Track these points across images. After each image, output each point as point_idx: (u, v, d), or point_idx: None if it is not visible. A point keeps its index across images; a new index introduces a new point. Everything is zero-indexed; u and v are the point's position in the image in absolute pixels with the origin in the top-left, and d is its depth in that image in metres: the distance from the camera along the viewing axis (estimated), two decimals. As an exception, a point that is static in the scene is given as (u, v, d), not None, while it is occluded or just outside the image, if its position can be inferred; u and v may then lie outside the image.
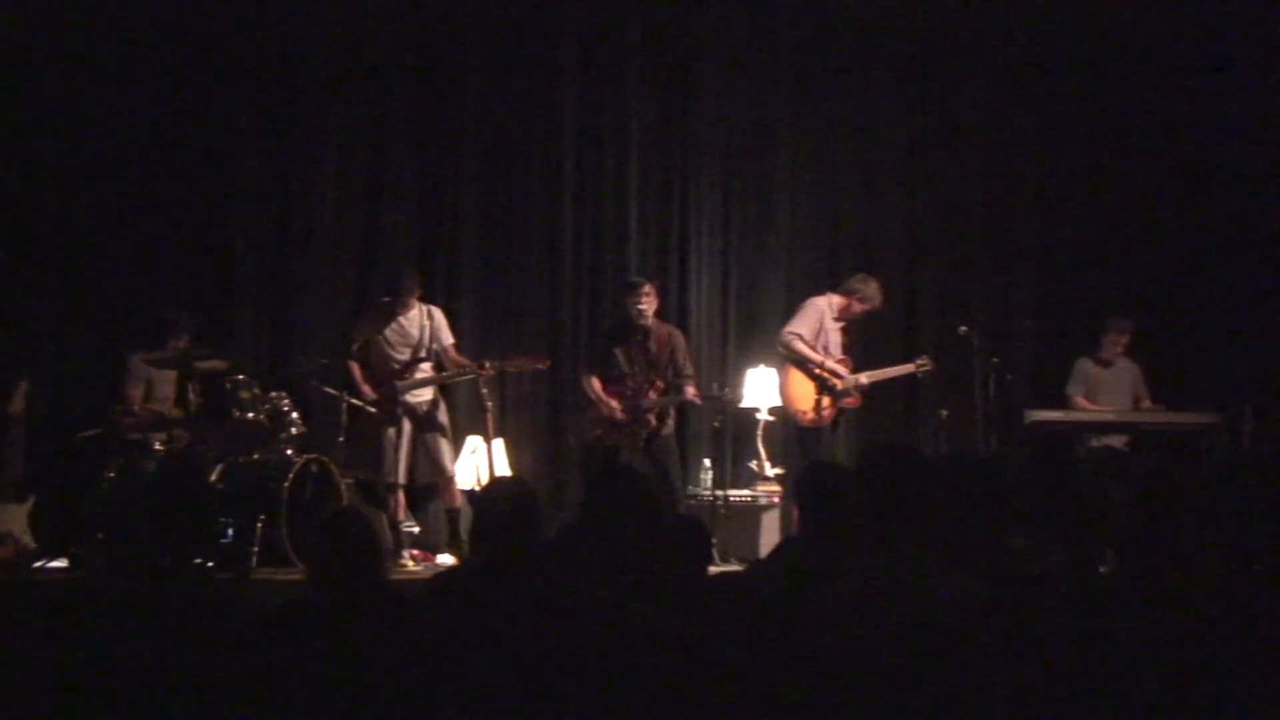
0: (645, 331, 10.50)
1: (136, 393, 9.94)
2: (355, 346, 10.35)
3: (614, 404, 10.41)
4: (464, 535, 9.99)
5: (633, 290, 10.58)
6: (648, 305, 10.49)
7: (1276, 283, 12.31)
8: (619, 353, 10.52)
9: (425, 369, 10.32)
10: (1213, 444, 10.87)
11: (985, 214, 13.15)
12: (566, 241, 12.51)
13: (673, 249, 12.76)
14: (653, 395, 10.43)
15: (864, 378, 10.74)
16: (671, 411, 10.67)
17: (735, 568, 9.56)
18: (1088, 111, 13.01)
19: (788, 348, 10.53)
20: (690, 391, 10.56)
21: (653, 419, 10.47)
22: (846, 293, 10.77)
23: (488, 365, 10.25)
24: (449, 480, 10.44)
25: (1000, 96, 13.19)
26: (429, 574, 8.53)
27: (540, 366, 10.67)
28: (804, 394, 10.52)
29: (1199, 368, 12.15)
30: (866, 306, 10.75)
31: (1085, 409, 11.34)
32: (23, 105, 11.04)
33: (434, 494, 10.94)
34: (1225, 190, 12.68)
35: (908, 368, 11.02)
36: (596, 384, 10.52)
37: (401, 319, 10.32)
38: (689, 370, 10.62)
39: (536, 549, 5.25)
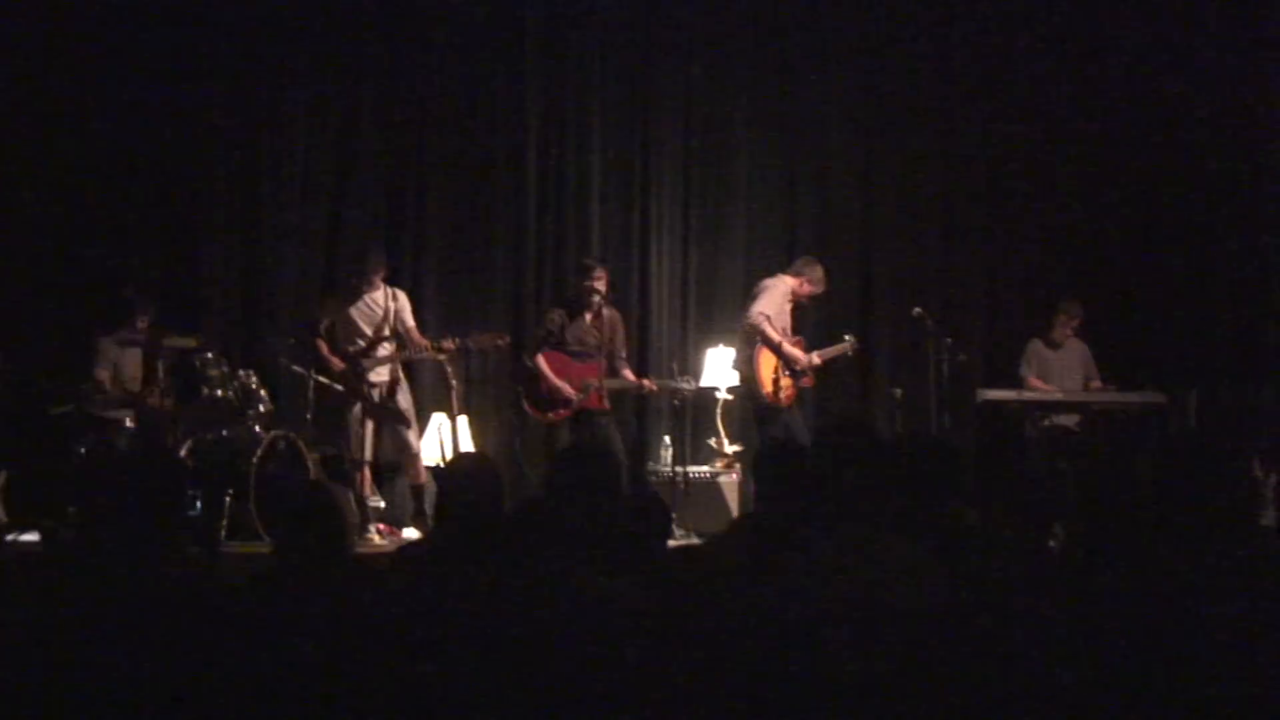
0: (596, 311, 10.62)
1: (105, 374, 9.97)
2: (323, 326, 10.38)
3: (564, 385, 10.54)
4: (429, 510, 10.08)
5: (587, 273, 10.73)
6: (601, 286, 10.65)
7: (1222, 268, 12.45)
8: (568, 329, 10.64)
9: (388, 348, 10.36)
10: (1160, 423, 11.00)
11: (938, 198, 13.24)
12: (530, 225, 12.59)
13: (634, 231, 12.84)
14: (599, 375, 10.55)
15: (816, 357, 10.89)
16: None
17: (694, 542, 9.65)
18: (1038, 95, 13.12)
19: (758, 330, 10.61)
20: (648, 382, 10.92)
21: (601, 397, 10.62)
22: (797, 275, 10.89)
23: (447, 343, 10.33)
24: (413, 457, 10.49)
25: (951, 82, 13.30)
26: (394, 548, 8.67)
27: (500, 343, 10.68)
28: (768, 374, 10.62)
29: (1147, 349, 12.28)
30: (815, 289, 10.91)
31: (1037, 389, 11.45)
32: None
33: (399, 470, 10.99)
34: (1175, 174, 12.79)
35: (843, 347, 11.15)
36: (543, 362, 10.62)
37: (367, 298, 10.36)
38: (623, 353, 10.86)
39: (500, 523, 5.34)
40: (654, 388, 10.95)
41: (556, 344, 10.63)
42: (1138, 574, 4.23)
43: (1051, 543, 5.19)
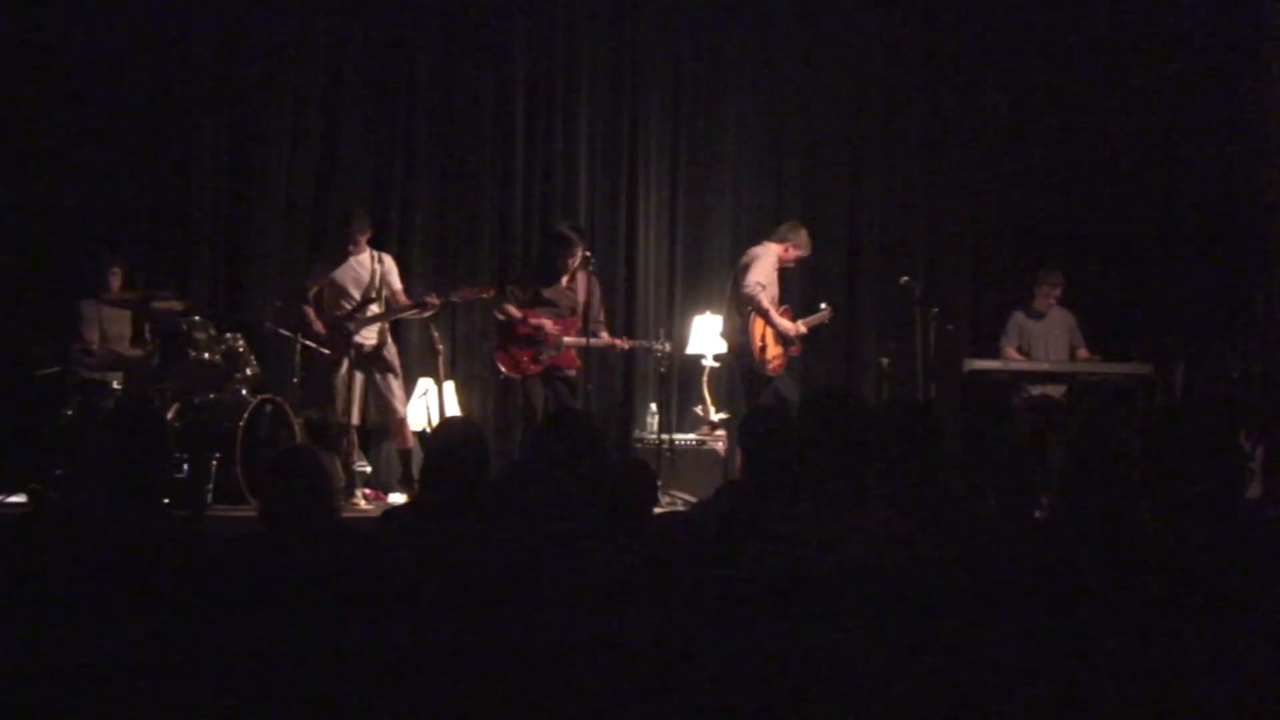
0: (571, 275, 10.66)
1: (92, 335, 9.96)
2: (310, 292, 10.39)
3: (542, 321, 10.48)
4: (415, 475, 10.10)
5: (568, 245, 10.63)
6: (576, 262, 10.65)
7: (1209, 239, 12.46)
8: (545, 291, 10.64)
9: (375, 310, 10.35)
10: (1146, 395, 11.01)
11: (924, 167, 13.24)
12: (517, 189, 12.54)
13: (621, 198, 12.82)
14: (574, 334, 10.57)
15: (803, 326, 10.96)
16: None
17: (679, 509, 9.69)
18: (1025, 63, 13.14)
19: (753, 300, 10.64)
20: (620, 341, 10.88)
21: (575, 358, 10.69)
22: (781, 241, 10.92)
23: (430, 299, 10.34)
24: (400, 421, 10.49)
25: (936, 50, 13.31)
26: (380, 512, 8.71)
27: (485, 295, 10.61)
28: (758, 344, 10.65)
29: (1133, 321, 12.27)
30: (801, 253, 10.96)
31: (1015, 360, 11.46)
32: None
33: (385, 435, 11.01)
34: (1161, 142, 12.80)
35: (821, 315, 11.22)
36: (512, 308, 10.53)
37: (353, 261, 10.36)
38: (602, 317, 10.86)
39: (485, 488, 5.36)
40: (626, 346, 10.93)
41: (530, 303, 10.61)
42: (1123, 545, 4.26)
43: (1036, 513, 5.22)
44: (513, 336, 10.52)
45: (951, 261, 13.07)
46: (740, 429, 5.66)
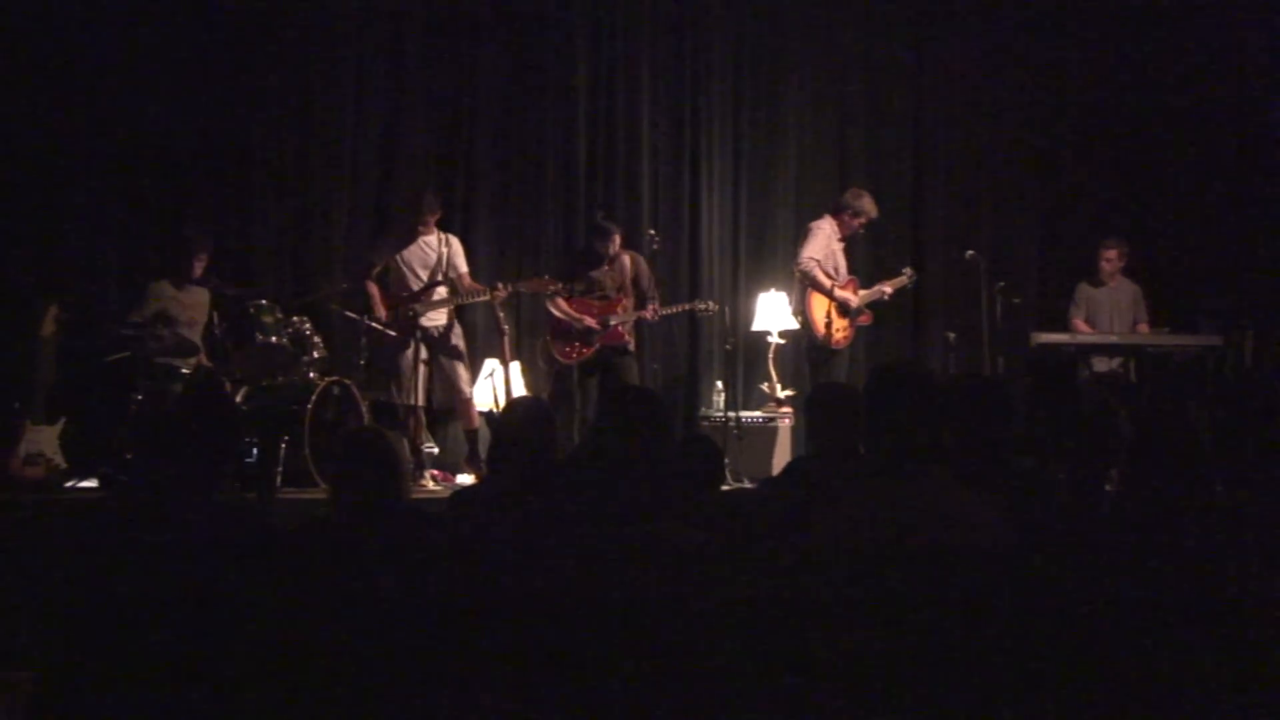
0: (612, 260, 10.79)
1: (157, 317, 9.96)
2: (375, 269, 10.42)
3: (585, 316, 10.66)
4: (482, 455, 10.14)
5: (606, 235, 10.83)
6: (614, 249, 10.82)
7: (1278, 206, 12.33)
8: (591, 274, 10.78)
9: (442, 293, 10.38)
10: (1216, 366, 10.91)
11: (990, 140, 13.17)
12: (580, 171, 12.56)
13: (684, 177, 12.81)
14: (620, 313, 10.72)
15: (886, 288, 11.05)
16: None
17: (747, 486, 9.68)
18: (1090, 35, 13.02)
19: (807, 274, 10.66)
20: (648, 311, 10.85)
21: (626, 334, 10.81)
22: (839, 211, 10.90)
23: (500, 287, 10.37)
24: (466, 402, 10.54)
25: (1001, 22, 13.20)
26: (449, 493, 8.75)
27: (553, 289, 10.69)
28: (820, 317, 10.64)
29: (1202, 290, 12.16)
30: (863, 219, 10.92)
31: (1083, 332, 11.38)
32: (51, 28, 11.04)
33: (452, 416, 11.03)
34: (1230, 112, 12.67)
35: (900, 280, 11.18)
36: (562, 303, 10.72)
37: (421, 242, 10.40)
38: (653, 293, 10.89)
39: (553, 467, 5.37)
40: (651, 316, 10.92)
41: (583, 292, 10.72)
42: (1194, 517, 4.22)
43: (1107, 487, 5.18)
44: (564, 331, 10.72)
45: (1018, 234, 12.98)
46: (806, 405, 5.64)
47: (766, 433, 11.24)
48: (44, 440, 9.32)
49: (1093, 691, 3.81)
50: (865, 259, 11.86)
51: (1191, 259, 12.40)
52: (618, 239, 10.86)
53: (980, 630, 3.87)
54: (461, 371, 10.49)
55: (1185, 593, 3.93)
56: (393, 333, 10.20)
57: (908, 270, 11.30)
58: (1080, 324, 11.43)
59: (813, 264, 10.65)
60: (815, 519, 4.26)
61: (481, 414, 10.75)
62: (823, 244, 10.77)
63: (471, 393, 10.65)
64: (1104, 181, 12.88)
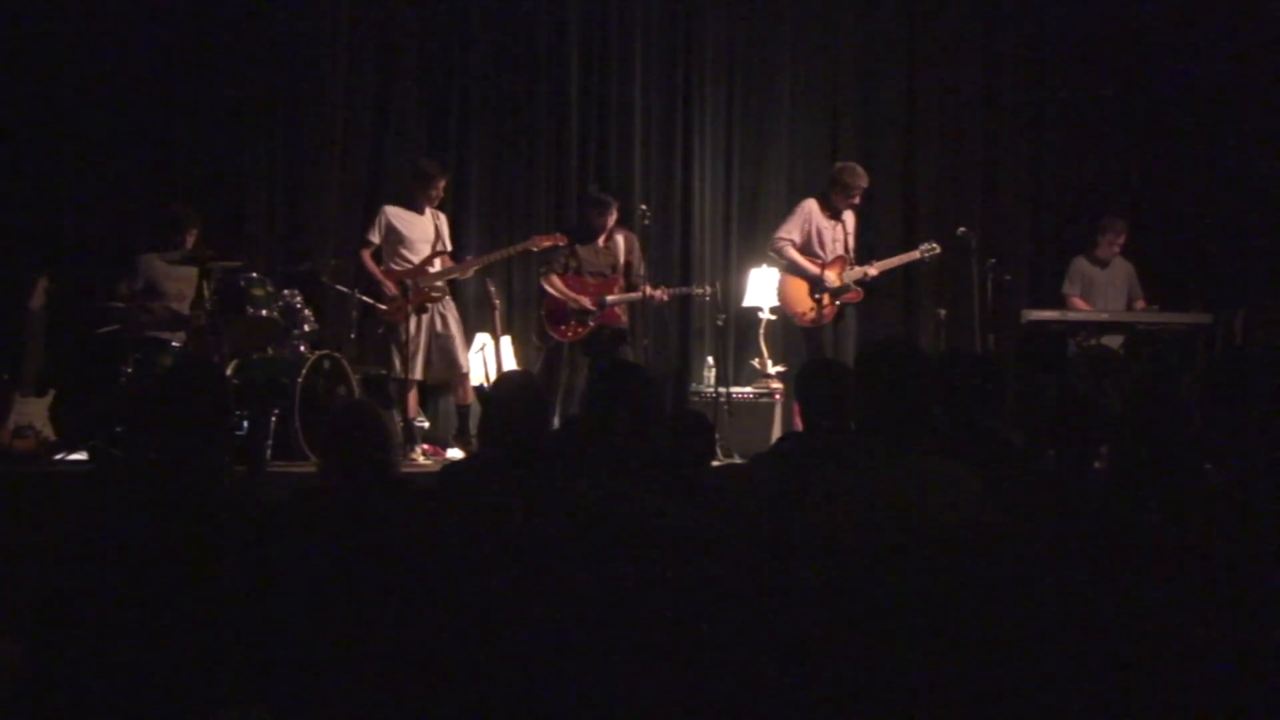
0: (608, 235, 10.82)
1: (131, 289, 9.89)
2: (373, 246, 10.42)
3: (581, 296, 10.68)
4: (473, 430, 10.16)
5: (604, 207, 10.84)
6: (611, 221, 10.84)
7: (1270, 184, 12.31)
8: (581, 251, 10.79)
9: (438, 265, 10.40)
10: (1207, 343, 10.93)
11: (980, 116, 13.20)
12: (572, 144, 12.55)
13: (677, 152, 12.79)
14: (616, 292, 10.75)
15: (873, 269, 10.91)
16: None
17: (737, 462, 9.68)
18: (1084, 11, 13.02)
19: (779, 253, 10.73)
20: (659, 291, 10.80)
21: (622, 315, 10.88)
22: (828, 187, 10.92)
23: (468, 261, 10.71)
24: (463, 377, 10.55)
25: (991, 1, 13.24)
26: (438, 466, 8.75)
27: (560, 243, 10.73)
28: (800, 296, 10.68)
29: (1193, 268, 12.19)
30: (853, 190, 10.87)
31: (1081, 309, 11.38)
32: (41, 2, 11.03)
33: (445, 390, 11.02)
34: (1220, 87, 12.62)
35: (914, 254, 11.14)
36: (557, 281, 10.74)
37: (424, 215, 10.46)
38: (644, 271, 10.83)
39: (543, 442, 5.37)
40: (664, 297, 10.91)
41: (569, 269, 10.74)
42: (1182, 498, 4.23)
43: (1096, 464, 5.19)
44: (559, 310, 10.76)
45: (1010, 211, 12.99)
46: (796, 381, 5.64)
47: (760, 409, 11.26)
48: (34, 412, 9.32)
49: (1078, 671, 3.82)
50: (894, 229, 11.85)
51: (1183, 235, 12.40)
52: (614, 212, 10.86)
53: (968, 607, 3.88)
54: (460, 346, 10.51)
55: (1172, 571, 3.93)
56: (382, 307, 10.20)
57: (927, 245, 11.20)
58: (1077, 300, 11.43)
59: (782, 243, 10.73)
60: (805, 495, 4.27)
61: (474, 388, 10.76)
62: (799, 222, 10.81)
63: (469, 367, 10.69)
64: (1095, 159, 12.87)
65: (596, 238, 10.82)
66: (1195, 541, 3.99)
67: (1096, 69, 12.96)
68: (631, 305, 10.88)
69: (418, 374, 10.32)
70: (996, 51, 13.19)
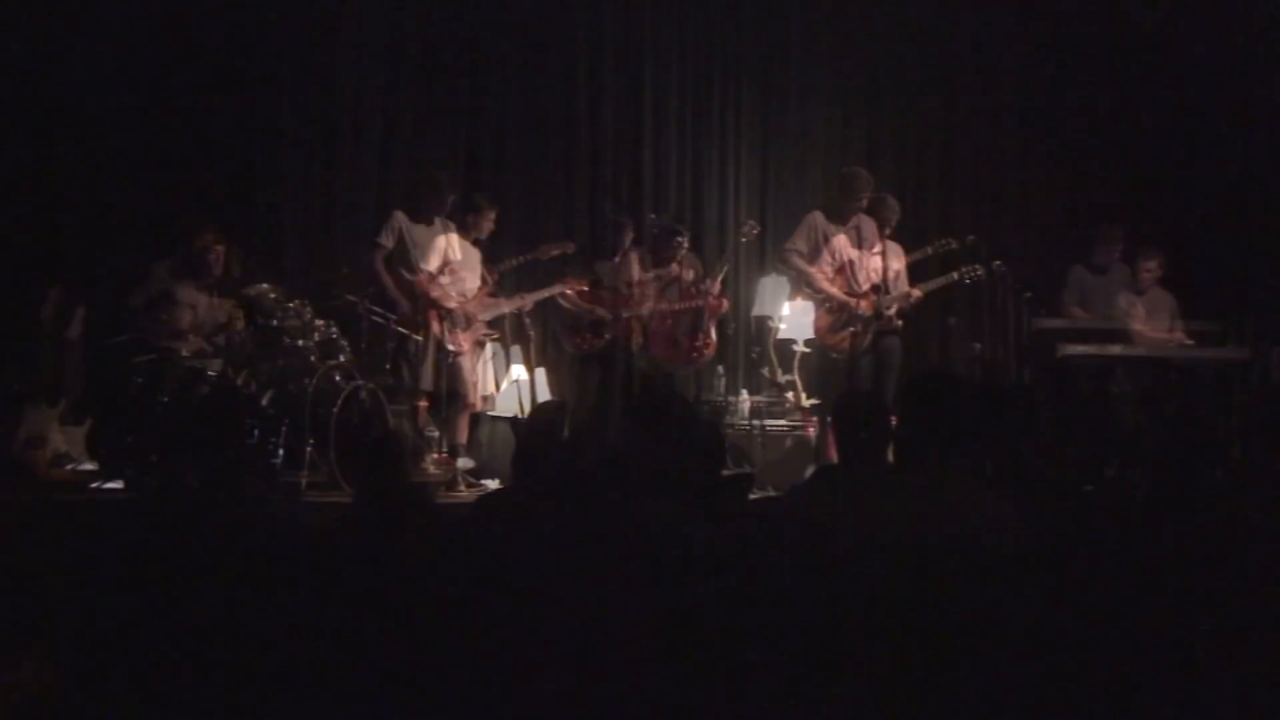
0: (622, 255, 11.03)
1: (145, 299, 9.84)
2: (384, 251, 10.33)
3: (597, 307, 10.85)
4: (482, 440, 10.69)
5: (621, 229, 11.09)
6: (628, 240, 11.08)
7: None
8: (596, 267, 11.02)
9: (448, 278, 10.38)
10: (1243, 379, 10.84)
11: (1001, 138, 13.37)
12: (582, 155, 12.69)
13: (686, 174, 12.96)
14: (627, 310, 10.84)
15: (917, 291, 10.64)
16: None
17: (773, 494, 9.66)
18: (1103, 29, 13.05)
19: (786, 263, 10.71)
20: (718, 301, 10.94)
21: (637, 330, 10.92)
22: (835, 194, 10.89)
23: (522, 295, 10.79)
24: (471, 386, 10.49)
25: (1002, 9, 13.30)
26: (449, 477, 9.31)
27: (569, 250, 10.88)
28: (825, 325, 10.57)
29: (1232, 304, 12.00)
30: (859, 199, 10.66)
31: (1080, 318, 11.25)
32: (57, 12, 11.06)
33: (454, 399, 10.88)
34: (1256, 113, 12.58)
35: (952, 276, 10.83)
36: (576, 298, 10.88)
37: (434, 227, 10.39)
38: (716, 289, 10.93)
39: (580, 471, 5.37)
40: (726, 306, 11.03)
41: (592, 282, 10.94)
42: (1220, 528, 4.22)
43: (1108, 472, 5.18)
44: (574, 321, 10.91)
45: (1047, 244, 12.85)
46: (834, 413, 5.63)
47: (792, 441, 11.21)
48: (70, 441, 9.35)
49: (1109, 694, 3.83)
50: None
51: (1219, 270, 12.28)
52: (630, 232, 11.04)
53: (1006, 639, 3.88)
54: (469, 362, 10.50)
55: (1208, 608, 3.93)
56: (392, 316, 10.14)
57: (969, 267, 10.79)
58: (1076, 311, 11.31)
59: (789, 254, 10.67)
60: (840, 522, 4.27)
61: (505, 419, 10.75)
62: (804, 234, 10.68)
63: (477, 376, 10.66)
64: (1133, 189, 12.81)
65: (613, 256, 10.96)
66: (1233, 574, 4.00)
67: (1129, 88, 12.98)
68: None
69: (427, 384, 10.25)
70: (1006, 68, 13.34)
